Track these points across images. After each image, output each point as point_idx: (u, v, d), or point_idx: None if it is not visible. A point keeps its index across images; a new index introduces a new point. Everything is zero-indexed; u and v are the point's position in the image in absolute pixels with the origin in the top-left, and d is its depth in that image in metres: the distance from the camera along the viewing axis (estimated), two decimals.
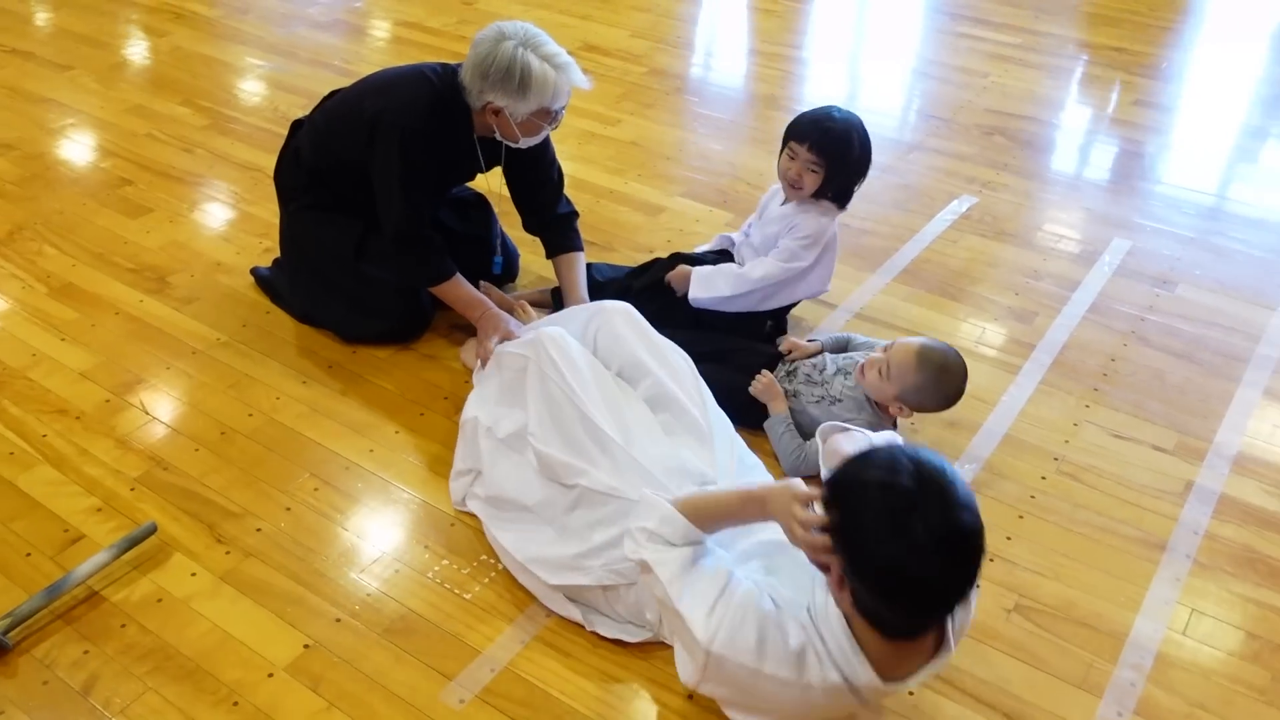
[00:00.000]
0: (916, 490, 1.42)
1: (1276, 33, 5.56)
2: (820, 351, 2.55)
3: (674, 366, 2.25)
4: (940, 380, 2.29)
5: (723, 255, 2.85)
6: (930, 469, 1.44)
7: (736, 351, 2.57)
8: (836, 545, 1.50)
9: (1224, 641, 2.06)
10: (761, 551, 1.85)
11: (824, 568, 1.56)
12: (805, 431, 2.38)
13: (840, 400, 2.39)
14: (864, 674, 1.58)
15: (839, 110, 2.63)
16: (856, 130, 2.59)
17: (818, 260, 2.68)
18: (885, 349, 2.33)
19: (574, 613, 2.00)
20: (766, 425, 2.43)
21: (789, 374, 2.49)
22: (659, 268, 2.82)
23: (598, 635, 1.98)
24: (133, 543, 2.10)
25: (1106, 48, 5.10)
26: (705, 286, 2.68)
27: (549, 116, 2.49)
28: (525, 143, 2.55)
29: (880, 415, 2.37)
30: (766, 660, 1.60)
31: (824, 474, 1.88)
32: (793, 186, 2.62)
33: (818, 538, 1.53)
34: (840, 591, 1.54)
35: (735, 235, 2.89)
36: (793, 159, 2.59)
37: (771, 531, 1.83)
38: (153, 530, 2.14)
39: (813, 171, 2.58)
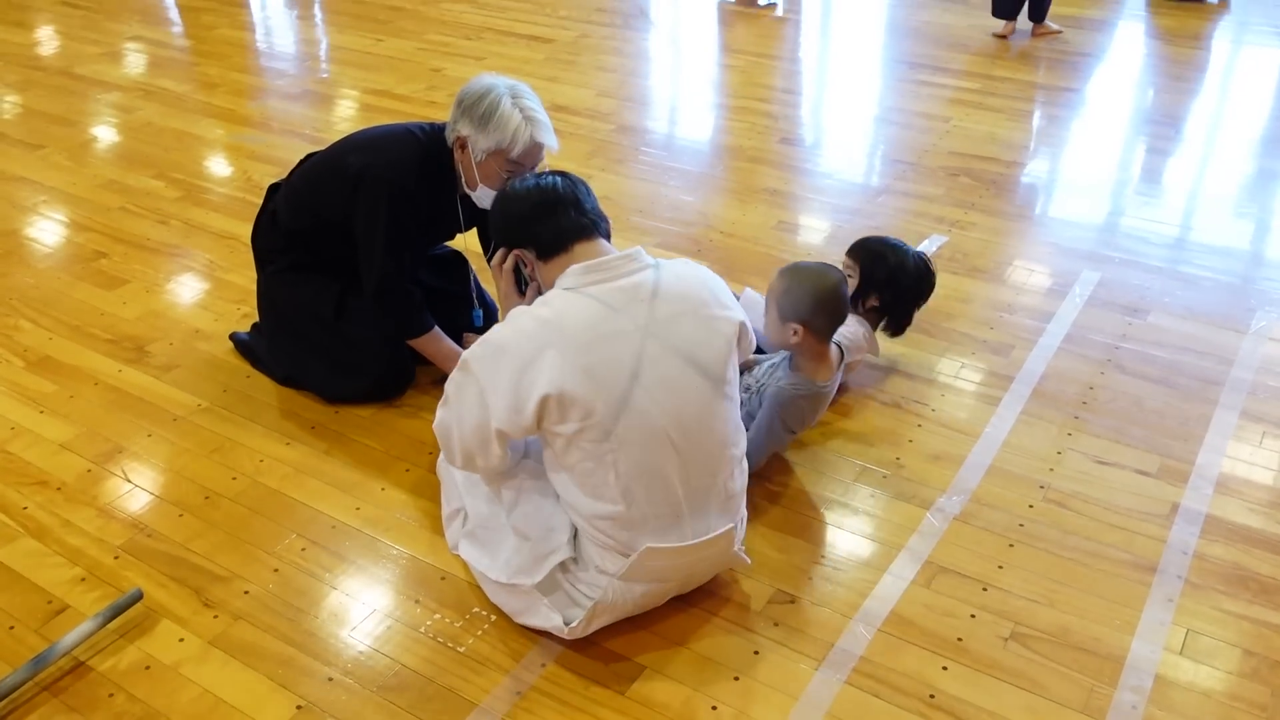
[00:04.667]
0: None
1: (1213, 70, 5.72)
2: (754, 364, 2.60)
3: None
4: (798, 276, 2.35)
5: None
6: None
7: None
8: (503, 243, 2.16)
9: (1222, 660, 2.06)
10: None
11: (520, 274, 2.18)
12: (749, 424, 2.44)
13: (763, 383, 2.45)
14: (567, 275, 1.97)
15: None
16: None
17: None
18: None
19: (556, 620, 2.00)
20: None
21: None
22: None
23: (595, 678, 1.96)
24: (118, 611, 2.07)
25: (1062, 89, 5.22)
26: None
27: (508, 167, 2.44)
28: (481, 194, 2.52)
29: (797, 365, 2.41)
30: (497, 326, 1.96)
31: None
32: None
33: (505, 260, 2.18)
34: (532, 268, 2.10)
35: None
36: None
37: None
38: (138, 597, 2.11)
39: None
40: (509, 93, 2.40)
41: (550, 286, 2.02)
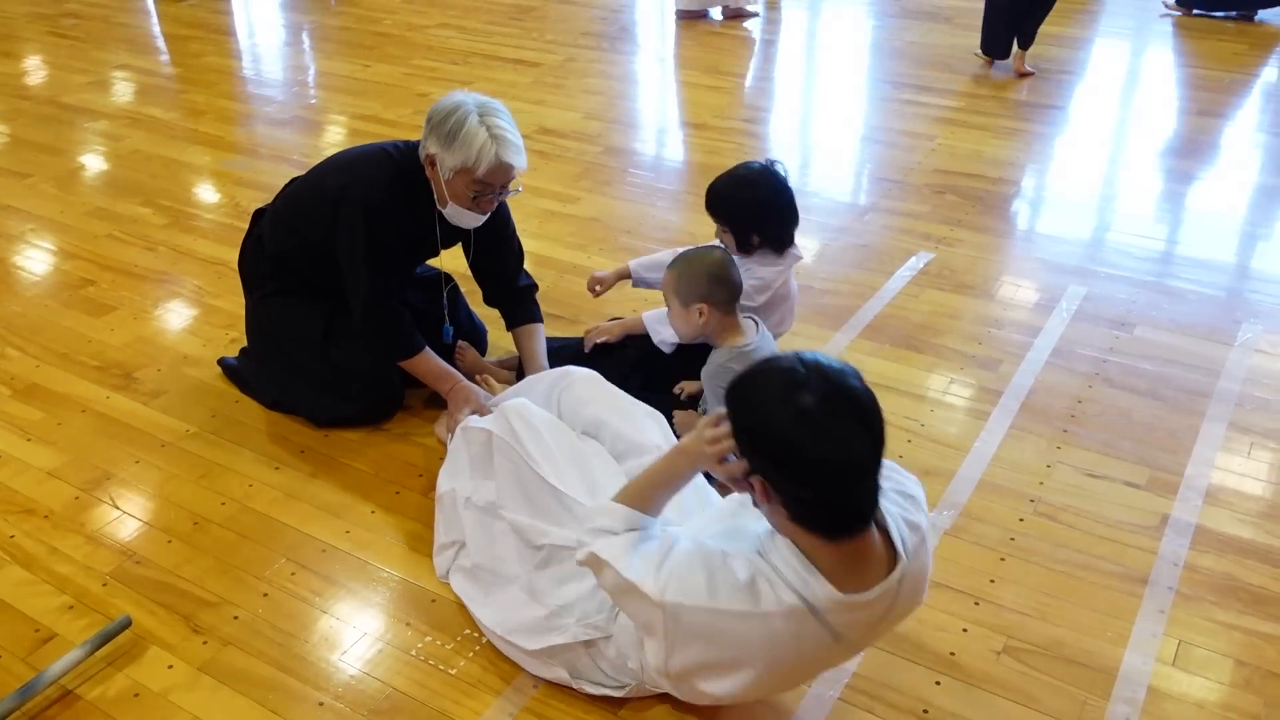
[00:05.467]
0: (803, 370, 1.47)
1: (1197, 86, 5.77)
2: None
3: (637, 420, 2.25)
4: (688, 262, 2.38)
5: None
6: (818, 357, 1.49)
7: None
8: (742, 446, 1.53)
9: (1214, 671, 2.06)
10: (711, 530, 1.81)
11: (750, 488, 1.56)
12: None
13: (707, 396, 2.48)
14: (818, 587, 1.55)
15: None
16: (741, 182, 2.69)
17: (768, 305, 2.70)
18: None
19: (561, 674, 1.97)
20: None
21: (703, 410, 2.56)
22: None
23: (589, 697, 1.95)
24: (106, 638, 2.05)
25: (1047, 106, 5.26)
26: (665, 330, 2.68)
27: (474, 186, 2.43)
28: (452, 212, 2.52)
29: (717, 343, 2.43)
30: (719, 596, 1.57)
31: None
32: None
33: (726, 442, 1.57)
34: (770, 504, 1.54)
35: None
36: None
37: (718, 509, 1.90)
38: (127, 624, 2.10)
39: (724, 231, 2.69)
40: (477, 110, 2.39)
41: (778, 528, 1.60)
